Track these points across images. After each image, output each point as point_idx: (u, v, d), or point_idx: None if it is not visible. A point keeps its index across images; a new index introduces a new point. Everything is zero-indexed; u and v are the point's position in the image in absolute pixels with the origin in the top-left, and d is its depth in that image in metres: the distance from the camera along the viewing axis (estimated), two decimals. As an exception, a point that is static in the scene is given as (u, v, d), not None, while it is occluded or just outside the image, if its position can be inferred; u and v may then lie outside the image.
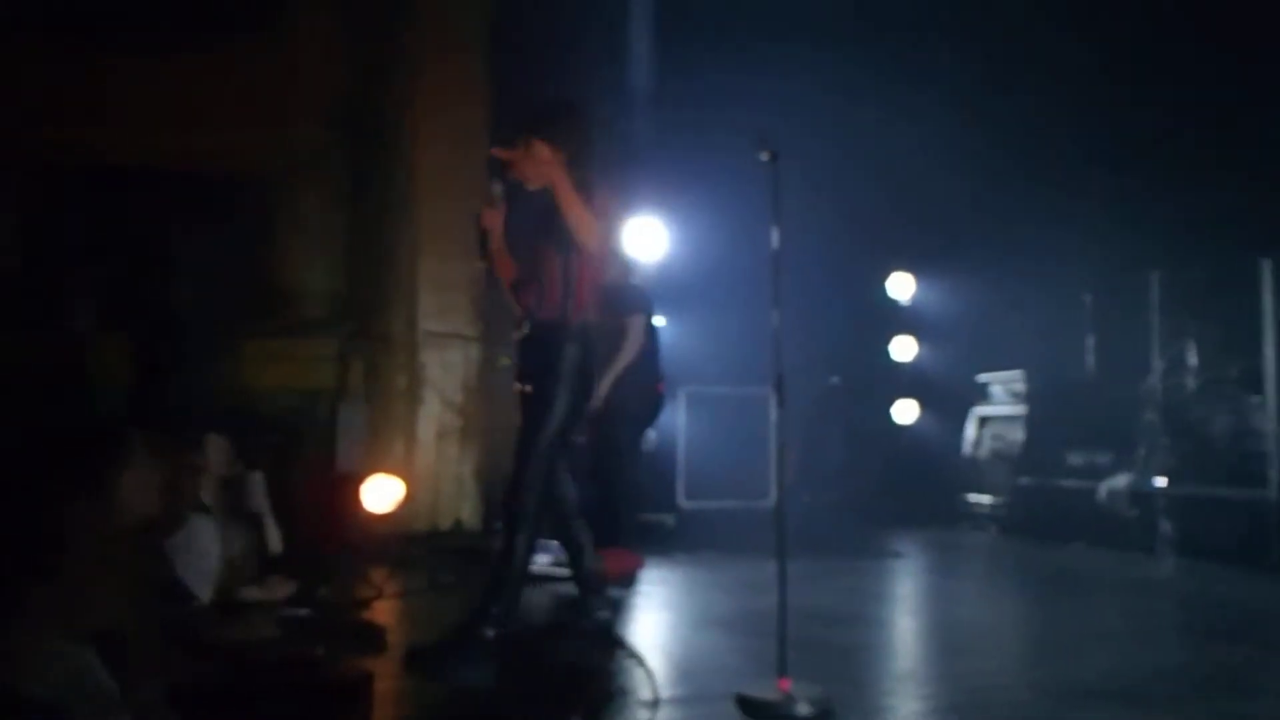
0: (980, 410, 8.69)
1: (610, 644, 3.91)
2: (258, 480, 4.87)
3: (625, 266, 6.26)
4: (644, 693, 3.25)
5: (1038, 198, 8.11)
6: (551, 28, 7.76)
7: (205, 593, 4.25)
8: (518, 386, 3.72)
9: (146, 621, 2.39)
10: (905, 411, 9.75)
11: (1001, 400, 8.52)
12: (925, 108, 7.98)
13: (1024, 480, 7.95)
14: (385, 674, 3.30)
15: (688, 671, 3.67)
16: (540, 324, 3.67)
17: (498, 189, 3.67)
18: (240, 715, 2.89)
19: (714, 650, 4.10)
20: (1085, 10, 7.73)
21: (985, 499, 8.36)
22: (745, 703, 3.04)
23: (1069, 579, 6.09)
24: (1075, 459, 7.59)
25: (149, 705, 2.21)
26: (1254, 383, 6.29)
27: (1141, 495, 6.78)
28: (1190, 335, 6.90)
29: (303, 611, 4.29)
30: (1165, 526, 6.48)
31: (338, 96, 7.23)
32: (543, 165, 3.59)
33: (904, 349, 9.83)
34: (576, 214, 3.51)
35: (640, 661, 3.64)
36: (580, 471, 6.33)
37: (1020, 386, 8.30)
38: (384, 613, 4.55)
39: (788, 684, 3.02)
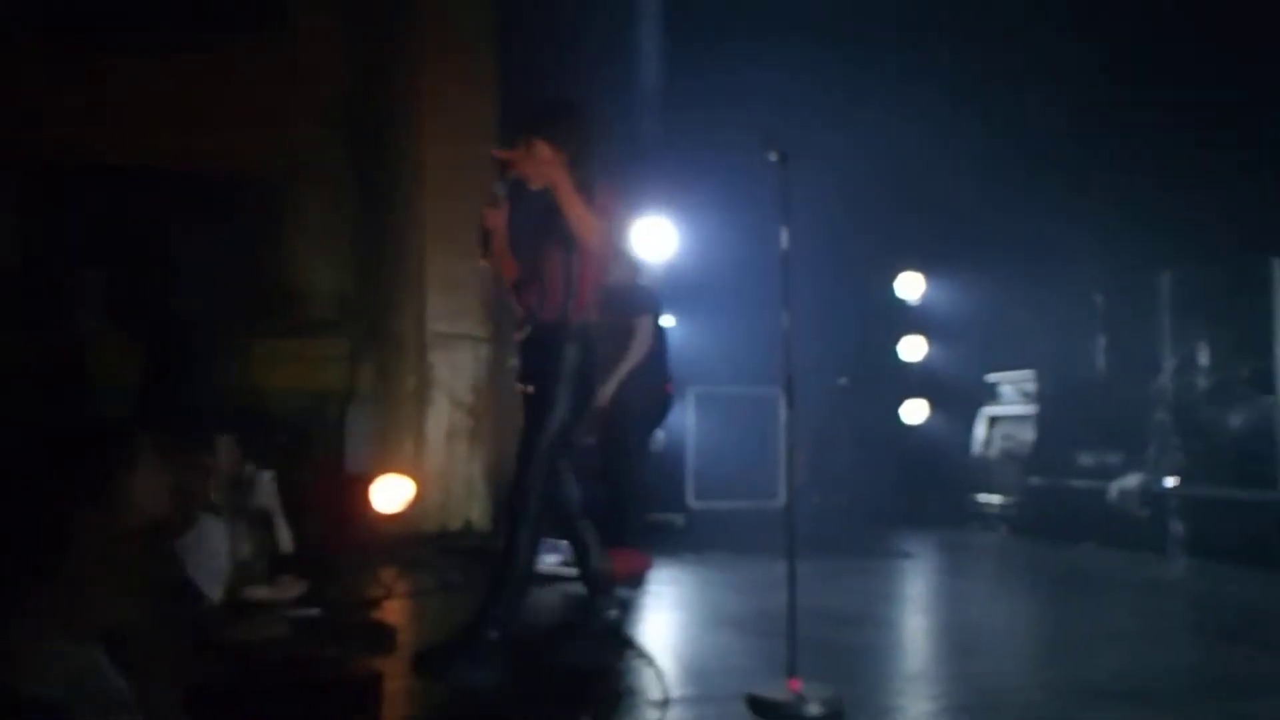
0: (990, 410, 8.67)
1: (620, 644, 3.91)
2: (268, 479, 4.88)
3: (633, 267, 6.26)
4: (654, 692, 3.25)
5: (1048, 196, 8.07)
6: (559, 26, 7.77)
7: (215, 593, 4.26)
8: (520, 387, 3.72)
9: (156, 622, 2.39)
10: (914, 411, 9.73)
11: (1011, 400, 8.49)
12: (934, 106, 7.97)
13: (1034, 480, 7.93)
14: (395, 674, 3.31)
15: (697, 671, 3.67)
16: (541, 324, 3.66)
17: (500, 189, 3.66)
18: (250, 715, 2.90)
19: (724, 650, 4.09)
20: (1094, 8, 7.70)
21: (995, 499, 8.34)
22: (755, 703, 3.04)
23: (1079, 579, 6.06)
24: (1086, 459, 7.56)
25: (160, 705, 2.21)
26: (1266, 383, 6.26)
27: (1152, 495, 6.75)
28: (1201, 335, 6.87)
29: (312, 611, 4.30)
30: (1176, 527, 6.45)
31: (343, 96, 7.24)
32: (543, 165, 3.58)
33: (913, 349, 9.80)
34: (577, 213, 3.51)
35: (650, 661, 3.64)
36: (588, 472, 6.36)
37: (1030, 386, 8.28)
38: (393, 613, 4.55)
39: (798, 684, 3.02)
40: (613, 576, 4.08)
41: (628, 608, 4.78)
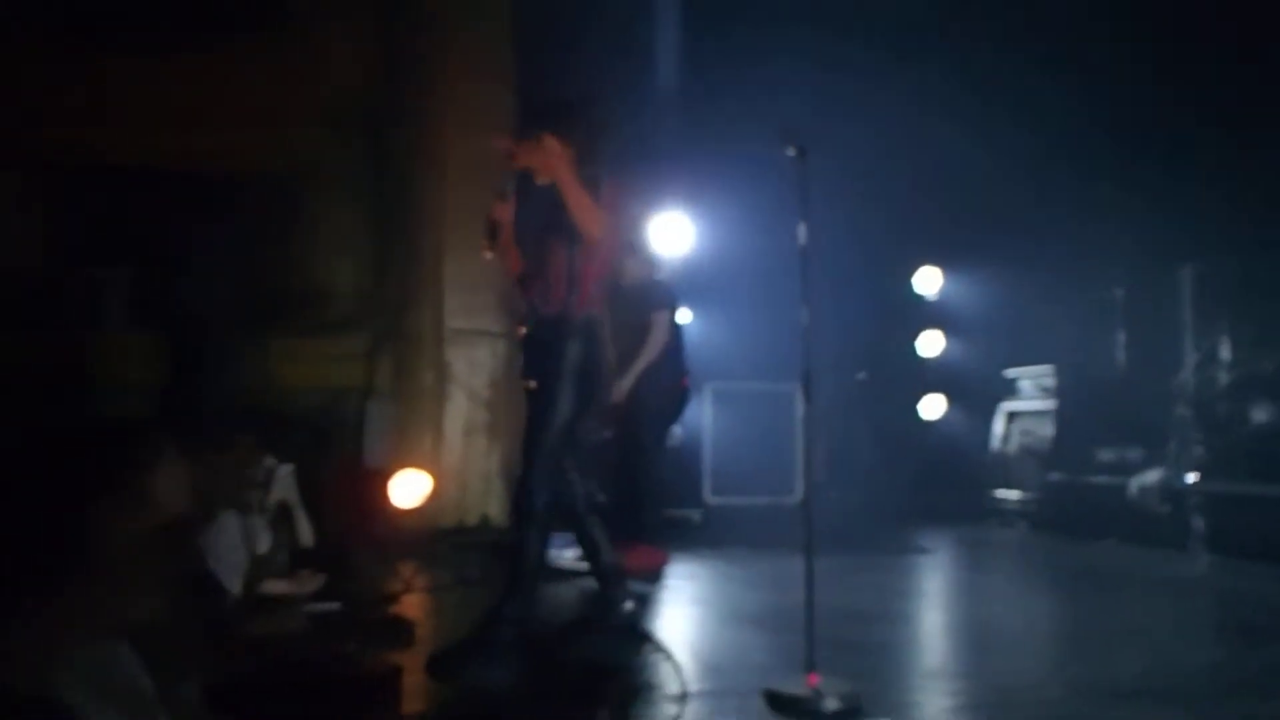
0: (1008, 405, 8.63)
1: (637, 639, 3.92)
2: (287, 473, 4.91)
3: (651, 263, 6.27)
4: (672, 688, 3.25)
5: (1067, 190, 8.03)
6: (577, 23, 7.77)
7: (235, 587, 4.29)
8: (525, 383, 3.72)
9: (181, 618, 2.41)
10: (932, 407, 9.70)
11: (1030, 395, 8.45)
12: (952, 101, 7.93)
13: (1053, 476, 7.88)
14: (413, 668, 3.32)
15: (715, 666, 3.67)
16: (544, 319, 3.66)
17: (509, 183, 3.65)
18: (270, 709, 2.92)
19: (741, 645, 4.09)
20: (1115, 2, 7.65)
21: (1013, 495, 8.30)
22: (773, 698, 3.04)
23: (1099, 576, 6.03)
24: (1106, 455, 7.51)
25: (184, 702, 2.23)
26: (1288, 378, 6.21)
27: (1173, 491, 6.70)
28: (1223, 329, 6.82)
29: (331, 606, 4.32)
30: (1197, 523, 6.40)
31: (360, 94, 7.26)
32: (549, 158, 3.56)
33: (931, 344, 9.77)
34: (581, 207, 3.49)
35: (668, 656, 3.64)
36: (605, 467, 6.37)
37: (1050, 381, 8.23)
38: (412, 607, 4.57)
39: (816, 679, 3.02)
40: (625, 570, 4.08)
41: (645, 603, 4.79)
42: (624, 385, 5.76)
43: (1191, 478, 6.61)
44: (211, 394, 6.49)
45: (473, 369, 7.18)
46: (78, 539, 2.07)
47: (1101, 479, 7.40)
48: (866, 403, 9.69)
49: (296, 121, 7.06)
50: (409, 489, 6.19)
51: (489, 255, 3.63)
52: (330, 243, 7.21)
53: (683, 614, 4.86)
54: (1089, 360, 8.34)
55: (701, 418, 8.32)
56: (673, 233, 7.18)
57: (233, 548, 4.33)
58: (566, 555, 5.13)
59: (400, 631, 3.95)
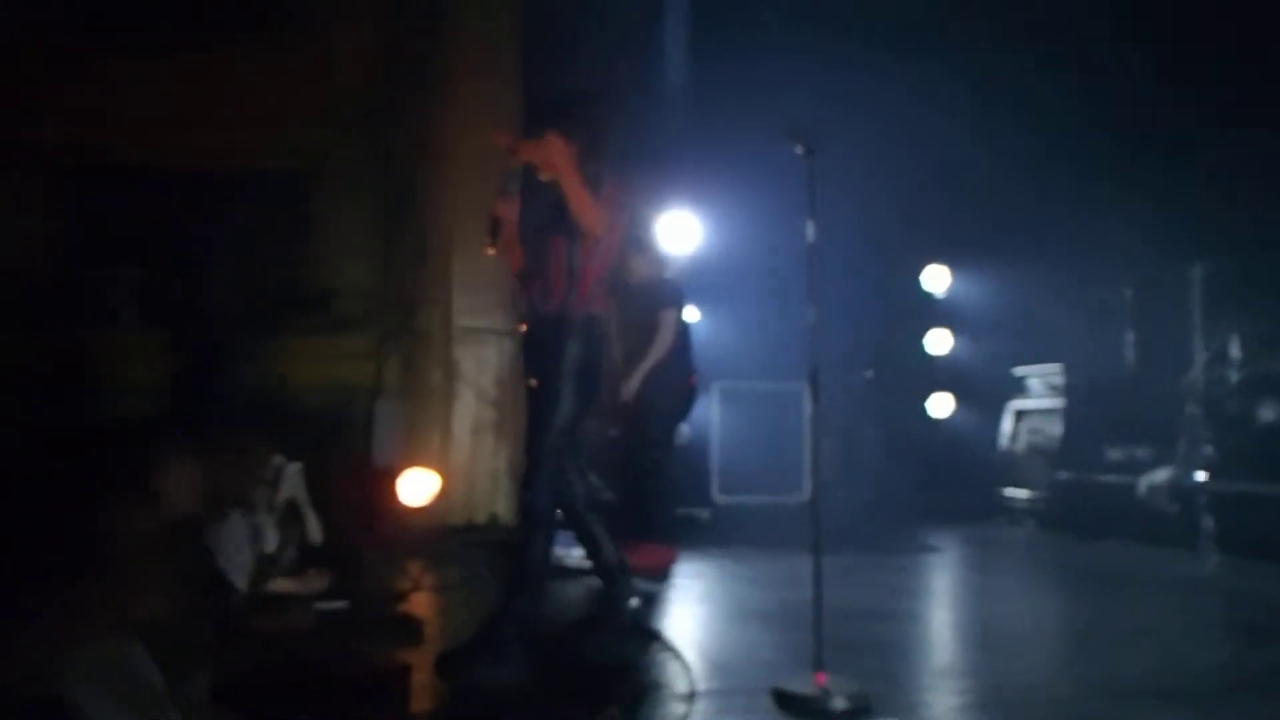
0: (1017, 404, 8.60)
1: (645, 638, 3.92)
2: (297, 471, 4.92)
3: (658, 261, 6.27)
4: (679, 686, 3.25)
5: (1076, 188, 8.00)
6: (586, 23, 7.77)
7: (242, 585, 4.30)
8: (526, 381, 3.72)
9: (191, 616, 2.42)
10: (940, 405, 9.68)
11: (1039, 394, 8.43)
12: (961, 99, 7.92)
13: (1062, 475, 7.86)
14: (421, 666, 3.33)
15: (723, 665, 3.67)
16: (543, 317, 3.65)
17: (511, 179, 3.64)
18: (278, 706, 2.93)
19: (750, 644, 4.09)
20: (1124, 1, 7.63)
21: (1022, 494, 8.28)
22: (781, 697, 3.04)
23: (1108, 575, 6.01)
24: (1115, 453, 7.48)
25: (194, 698, 2.24)
26: (1298, 376, 6.18)
27: (1183, 490, 6.68)
28: (1233, 328, 6.79)
29: (340, 604, 4.33)
30: (1207, 522, 6.38)
31: (368, 93, 7.27)
32: (551, 154, 3.54)
33: (939, 342, 9.75)
34: (582, 204, 3.48)
35: (675, 655, 3.65)
36: (613, 466, 6.37)
37: (1058, 380, 8.21)
38: (420, 606, 4.58)
39: (824, 678, 3.02)
40: (628, 567, 4.09)
41: (652, 601, 4.80)
42: (632, 384, 5.75)
43: (1201, 477, 6.59)
44: (220, 393, 6.51)
45: (481, 368, 7.19)
46: (90, 537, 2.08)
47: (1110, 478, 7.38)
48: (874, 401, 9.68)
49: (303, 120, 7.08)
50: (417, 488, 6.21)
51: (491, 252, 3.63)
52: (338, 241, 7.23)
53: (690, 612, 4.86)
54: (1098, 359, 8.30)
55: (709, 416, 8.32)
56: (680, 231, 7.18)
57: (240, 546, 4.34)
58: (574, 554, 5.13)
59: (408, 630, 3.96)
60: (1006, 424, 8.64)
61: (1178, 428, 6.91)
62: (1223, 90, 7.08)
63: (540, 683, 3.34)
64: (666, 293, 5.97)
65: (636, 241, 6.16)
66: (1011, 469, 8.48)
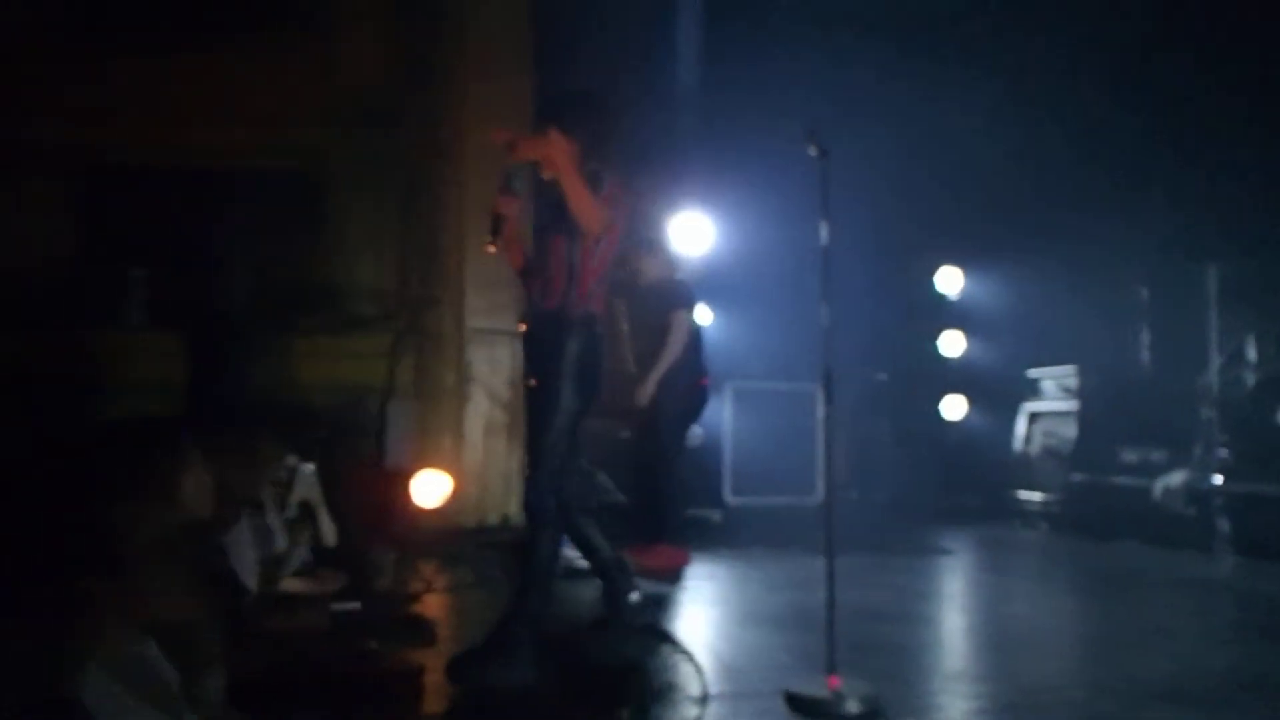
0: (1031, 406, 8.57)
1: (657, 639, 3.91)
2: (310, 472, 4.93)
3: (669, 262, 6.26)
4: (692, 689, 3.25)
5: (1091, 188, 7.97)
6: (597, 22, 7.77)
7: (253, 586, 4.31)
8: (526, 380, 3.71)
9: (206, 615, 2.43)
10: (954, 407, 9.65)
11: (1053, 396, 8.39)
12: (974, 99, 7.89)
13: (1076, 477, 7.83)
14: (434, 667, 3.33)
15: (736, 668, 3.66)
16: (542, 314, 3.64)
17: (515, 177, 3.63)
18: (291, 707, 2.93)
19: (762, 647, 4.08)
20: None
21: (1036, 496, 8.25)
22: (794, 700, 3.03)
23: (1122, 577, 5.99)
24: (1129, 456, 7.45)
25: (207, 698, 2.25)
26: (1315, 378, 6.15)
27: (1198, 493, 6.64)
28: (1249, 329, 6.75)
29: (352, 605, 4.34)
30: (1223, 525, 6.34)
31: (382, 92, 7.29)
32: (550, 151, 3.51)
33: (952, 344, 9.72)
34: (580, 200, 3.45)
35: (688, 657, 3.64)
36: (625, 468, 6.36)
37: (1073, 382, 8.17)
38: (433, 607, 4.59)
39: (837, 681, 3.01)
40: (625, 563, 4.09)
41: (664, 603, 4.80)
42: (647, 388, 5.74)
43: (1216, 479, 6.55)
44: (233, 393, 6.53)
45: (493, 369, 7.19)
46: (102, 538, 2.09)
47: (1125, 480, 7.35)
48: (888, 403, 9.64)
49: (317, 119, 7.10)
50: (430, 489, 6.21)
51: (492, 250, 3.62)
52: (350, 241, 7.25)
53: (703, 615, 4.85)
54: (1112, 360, 8.28)
55: (722, 417, 8.30)
56: (693, 232, 7.17)
57: (251, 547, 4.35)
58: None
59: (421, 631, 3.96)
60: (1020, 426, 8.61)
61: (1193, 430, 6.88)
62: (1241, 89, 7.04)
63: (552, 684, 3.34)
64: (677, 294, 5.97)
65: (647, 243, 6.16)
66: (1025, 471, 8.45)
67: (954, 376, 9.68)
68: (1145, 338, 8.12)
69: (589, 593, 4.89)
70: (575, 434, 3.61)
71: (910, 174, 8.50)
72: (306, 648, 3.64)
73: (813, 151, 3.29)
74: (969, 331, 9.69)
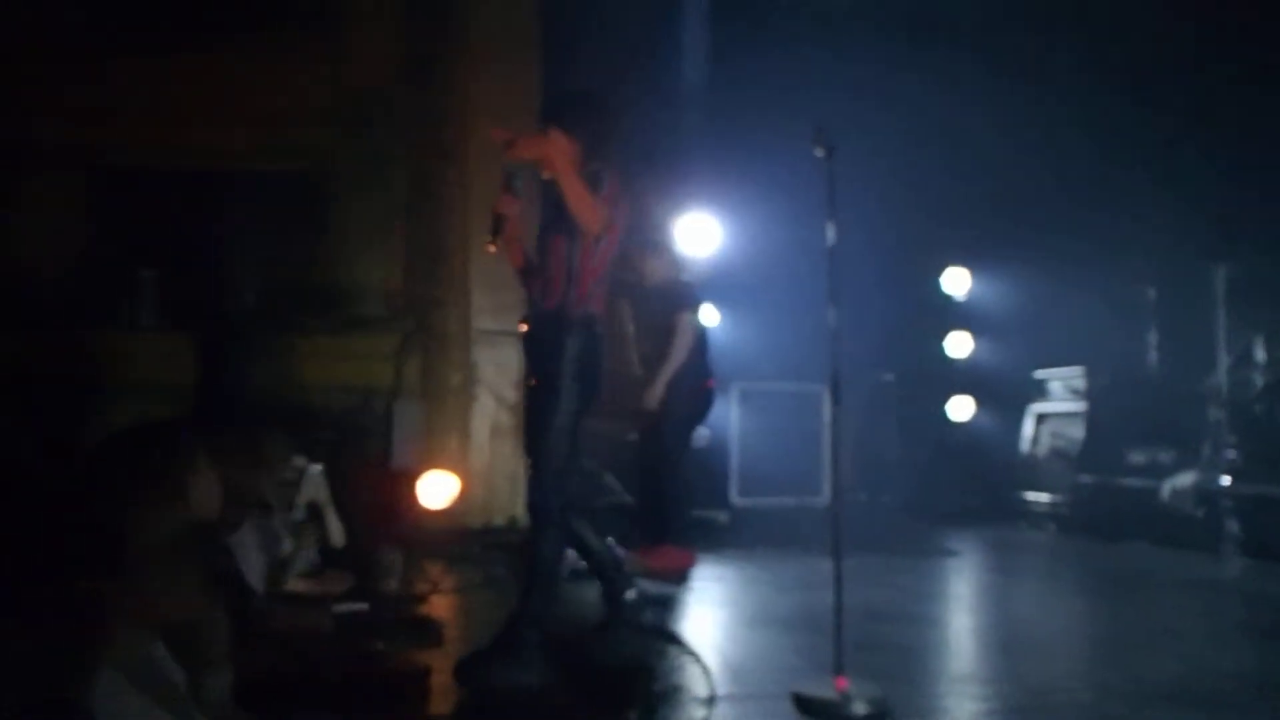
0: (1038, 407, 8.55)
1: (664, 640, 3.91)
2: (317, 473, 4.94)
3: (675, 263, 6.26)
4: (699, 690, 3.24)
5: (1098, 189, 7.95)
6: (604, 21, 7.76)
7: (260, 586, 4.31)
8: (526, 380, 3.71)
9: (214, 616, 2.43)
10: (960, 408, 9.62)
11: (1060, 397, 8.37)
12: (982, 99, 7.87)
13: (1084, 478, 7.80)
14: (441, 668, 3.33)
15: (743, 669, 3.66)
16: (542, 314, 3.64)
17: (515, 176, 3.62)
18: (299, 707, 2.93)
19: (769, 648, 4.08)
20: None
21: (1043, 497, 8.23)
22: (801, 701, 3.02)
23: (1131, 579, 5.97)
24: (1137, 457, 7.43)
25: (214, 698, 2.25)
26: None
27: (1207, 494, 6.62)
28: (1258, 330, 6.73)
29: (359, 606, 4.34)
30: (1231, 526, 6.32)
31: (388, 92, 7.29)
32: (549, 150, 3.51)
33: (959, 345, 9.70)
34: (578, 200, 3.45)
35: (695, 659, 3.64)
36: (631, 469, 6.35)
37: (1080, 383, 8.15)
38: (439, 607, 4.59)
39: (844, 682, 3.00)
40: (620, 562, 4.09)
41: (671, 605, 4.79)
42: (656, 391, 5.73)
43: (1225, 480, 6.53)
44: (240, 393, 6.54)
45: (499, 370, 7.19)
46: (110, 538, 2.09)
47: (1133, 481, 7.32)
48: (894, 404, 9.62)
49: (321, 120, 7.11)
50: (436, 490, 6.22)
51: (492, 249, 3.62)
52: (356, 242, 7.25)
53: (710, 616, 4.85)
54: (1120, 361, 8.25)
55: (728, 418, 8.29)
56: (699, 233, 7.16)
57: (257, 547, 4.35)
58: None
59: (427, 631, 3.96)
60: (1027, 427, 8.59)
61: (1201, 431, 6.86)
62: (1249, 89, 7.02)
63: (559, 685, 3.34)
64: (683, 295, 5.96)
65: (653, 244, 6.16)
66: (1032, 472, 8.43)
67: (961, 377, 9.66)
68: (1153, 338, 8.09)
69: (593, 594, 4.89)
70: (576, 434, 3.61)
71: (918, 174, 8.49)
72: (313, 648, 3.65)
73: (819, 151, 3.28)
74: (976, 332, 9.67)
